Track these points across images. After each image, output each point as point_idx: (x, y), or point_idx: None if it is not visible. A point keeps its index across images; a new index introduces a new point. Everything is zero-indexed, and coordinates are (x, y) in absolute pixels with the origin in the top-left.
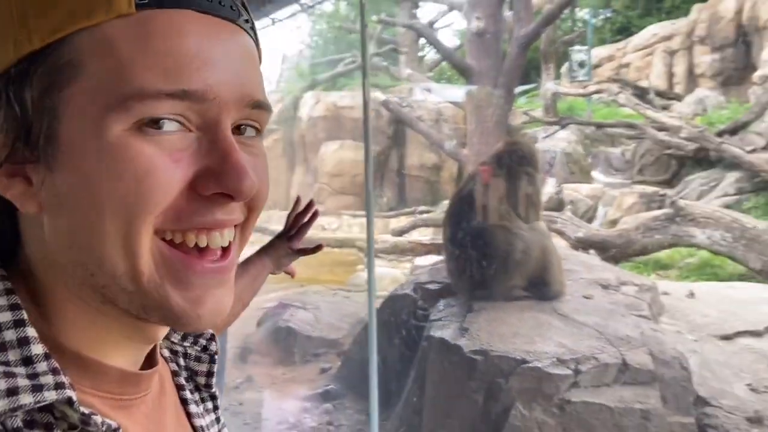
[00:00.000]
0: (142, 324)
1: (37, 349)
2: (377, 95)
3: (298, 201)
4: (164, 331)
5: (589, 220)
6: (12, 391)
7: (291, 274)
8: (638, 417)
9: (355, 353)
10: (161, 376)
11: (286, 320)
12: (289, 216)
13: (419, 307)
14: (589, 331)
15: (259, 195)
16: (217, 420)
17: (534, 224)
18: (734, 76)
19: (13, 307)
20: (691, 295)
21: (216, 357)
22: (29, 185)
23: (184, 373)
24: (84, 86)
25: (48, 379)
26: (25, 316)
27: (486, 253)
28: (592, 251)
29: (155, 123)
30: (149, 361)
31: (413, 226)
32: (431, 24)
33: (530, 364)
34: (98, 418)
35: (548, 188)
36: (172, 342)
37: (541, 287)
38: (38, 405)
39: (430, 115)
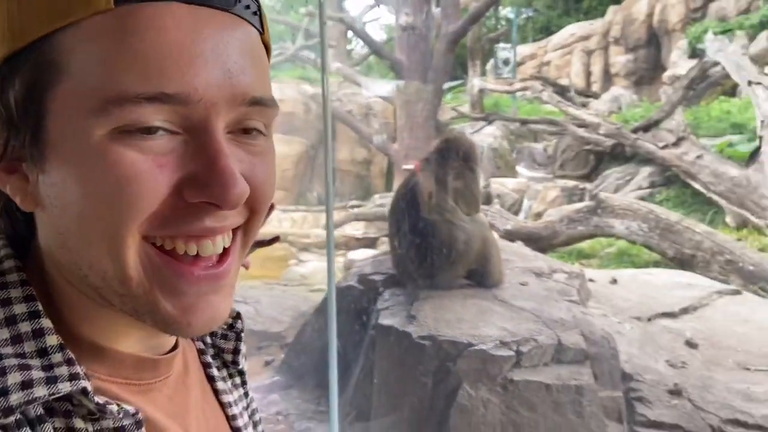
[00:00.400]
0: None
1: (52, 340)
2: (306, 88)
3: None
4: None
5: (515, 213)
6: (27, 384)
7: (246, 267)
8: (573, 393)
9: (299, 345)
10: (185, 356)
11: None
12: None
13: (365, 298)
14: (527, 315)
15: (261, 196)
16: (246, 395)
17: (475, 216)
18: (646, 75)
19: (27, 299)
20: (614, 281)
21: (242, 335)
22: (26, 182)
23: (210, 351)
24: (67, 87)
25: (63, 371)
26: (40, 307)
27: (430, 245)
28: (519, 242)
29: (140, 129)
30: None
31: (345, 221)
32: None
33: (476, 347)
34: (113, 407)
35: None
36: None
37: (482, 276)
38: (52, 397)
39: (360, 110)
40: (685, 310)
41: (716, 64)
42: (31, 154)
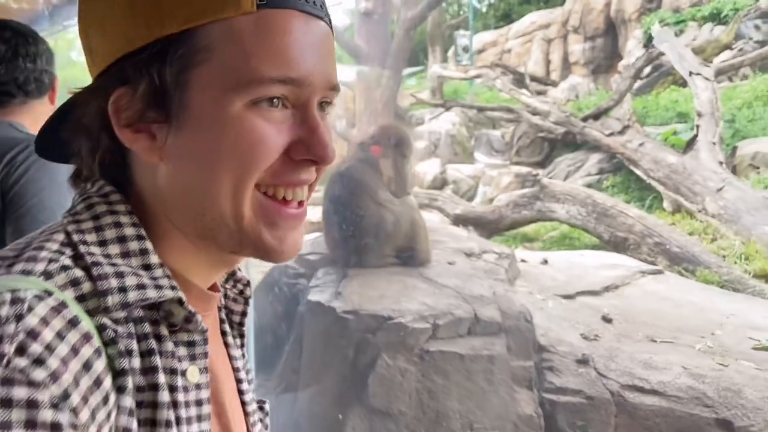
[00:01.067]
0: (228, 256)
1: (155, 258)
2: None
3: None
4: (241, 261)
5: (470, 199)
6: (141, 286)
7: None
8: (485, 362)
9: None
10: (214, 315)
11: None
12: None
13: (300, 276)
14: (448, 291)
15: (331, 157)
16: (244, 355)
17: (404, 199)
18: (603, 64)
19: (135, 225)
20: (545, 262)
21: (250, 300)
22: (153, 141)
23: (224, 311)
24: (213, 67)
25: (164, 282)
26: (144, 233)
27: (360, 226)
28: (470, 227)
29: (268, 101)
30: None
31: None
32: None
33: (395, 320)
34: (200, 317)
35: (433, 168)
36: None
37: (409, 255)
38: (160, 299)
39: None
40: (607, 289)
41: (662, 54)
42: (175, 117)
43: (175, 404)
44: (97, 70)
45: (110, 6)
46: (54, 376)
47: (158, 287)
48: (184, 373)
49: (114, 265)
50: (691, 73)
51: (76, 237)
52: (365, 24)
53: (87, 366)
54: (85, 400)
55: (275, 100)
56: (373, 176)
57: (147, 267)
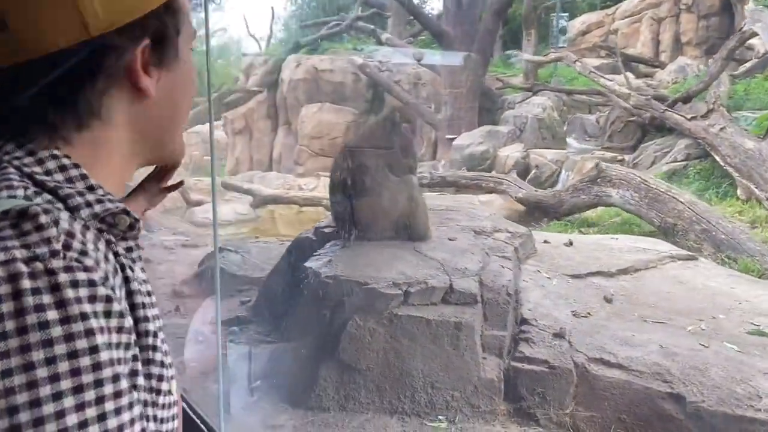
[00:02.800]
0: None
1: (94, 181)
2: (355, 59)
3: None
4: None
5: (553, 184)
6: (99, 201)
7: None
8: (452, 328)
9: (264, 288)
10: None
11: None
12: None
13: (314, 247)
14: (432, 263)
15: None
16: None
17: (404, 178)
18: (718, 44)
19: (67, 156)
20: (570, 243)
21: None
22: (154, 80)
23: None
24: (184, 27)
25: (110, 197)
26: (86, 171)
27: (357, 202)
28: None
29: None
30: None
31: None
32: None
33: (369, 286)
34: (141, 223)
35: (515, 153)
36: None
37: (407, 230)
38: (116, 209)
39: (409, 80)
40: (624, 271)
41: (755, 34)
42: (170, 61)
43: (134, 292)
44: (96, 32)
45: None
46: (97, 262)
47: (110, 201)
48: (133, 270)
49: (71, 185)
50: None
51: (26, 169)
52: (453, 8)
53: (107, 258)
54: (114, 283)
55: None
56: (372, 155)
57: (90, 188)
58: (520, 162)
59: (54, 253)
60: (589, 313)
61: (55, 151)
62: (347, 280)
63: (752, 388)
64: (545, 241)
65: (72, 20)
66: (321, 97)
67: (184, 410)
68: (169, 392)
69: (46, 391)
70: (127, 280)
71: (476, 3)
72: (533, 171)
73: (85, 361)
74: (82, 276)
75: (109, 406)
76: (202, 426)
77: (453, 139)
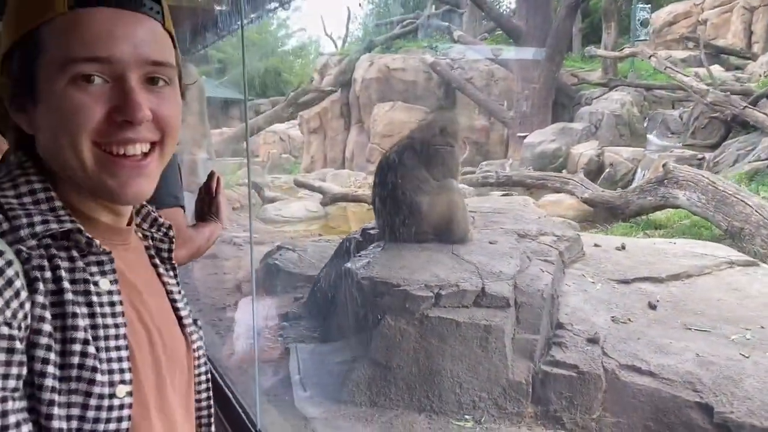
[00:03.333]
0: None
1: (58, 203)
2: (427, 57)
3: (211, 174)
4: (127, 208)
5: (627, 184)
6: (45, 221)
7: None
8: (482, 331)
9: (316, 286)
10: (138, 246)
11: (276, 259)
12: (200, 189)
13: (359, 247)
14: (467, 266)
15: (165, 122)
16: (178, 283)
17: (444, 182)
18: None
19: (42, 181)
20: (622, 247)
21: (174, 240)
22: (27, 116)
23: (153, 249)
24: (47, 57)
25: (65, 218)
26: (49, 185)
27: (398, 205)
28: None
29: (83, 78)
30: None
31: None
32: None
33: (401, 288)
34: (98, 241)
35: (589, 151)
36: (143, 228)
37: (446, 234)
38: (61, 229)
39: (481, 77)
40: (676, 277)
41: None
42: (30, 99)
43: (89, 304)
44: None
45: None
46: None
47: (60, 221)
48: (96, 283)
49: (26, 209)
50: None
51: None
52: (526, 4)
53: (9, 282)
54: (7, 304)
55: (91, 77)
56: (413, 160)
57: (53, 209)
58: (593, 160)
59: None
60: (629, 319)
61: (32, 176)
62: (381, 281)
63: None
64: (596, 245)
65: None
66: (393, 95)
67: (226, 397)
68: (112, 396)
69: None
70: (57, 292)
71: None
72: (607, 170)
73: None
74: None
75: None
76: (240, 412)
77: (524, 137)
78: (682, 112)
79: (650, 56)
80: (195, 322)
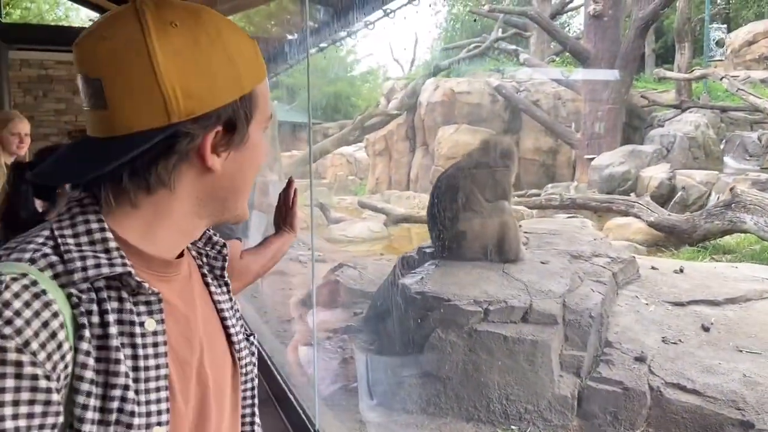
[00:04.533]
0: (203, 229)
1: (113, 244)
2: (492, 80)
3: (289, 181)
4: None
5: (701, 207)
6: (98, 265)
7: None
8: (528, 346)
9: (374, 302)
10: (190, 267)
11: (338, 276)
12: (279, 196)
13: (415, 265)
14: (517, 284)
15: None
16: (230, 299)
17: (496, 204)
18: None
19: (99, 220)
20: (680, 270)
21: (227, 258)
22: (219, 158)
23: (206, 267)
24: (258, 111)
25: (117, 261)
26: (105, 225)
27: (451, 225)
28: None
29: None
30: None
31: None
32: (561, 7)
33: (451, 303)
34: (147, 285)
35: (660, 174)
36: (198, 247)
37: (497, 253)
38: (111, 274)
39: (548, 99)
40: (733, 300)
41: None
42: (237, 144)
43: (133, 345)
44: (176, 119)
45: (218, 69)
46: (18, 331)
47: (112, 265)
48: (142, 324)
49: (81, 250)
50: None
51: (57, 232)
52: (594, 26)
53: (45, 324)
54: (42, 346)
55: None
56: (467, 182)
57: (107, 250)
58: (664, 183)
59: None
60: (680, 340)
61: (90, 216)
62: (433, 296)
63: None
64: (653, 267)
65: (158, 108)
66: (458, 118)
67: (287, 400)
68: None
69: None
70: (103, 336)
71: (618, 21)
72: (679, 193)
73: None
74: None
75: None
76: (301, 413)
77: (592, 159)
78: (761, 134)
79: (722, 78)
80: (248, 337)
